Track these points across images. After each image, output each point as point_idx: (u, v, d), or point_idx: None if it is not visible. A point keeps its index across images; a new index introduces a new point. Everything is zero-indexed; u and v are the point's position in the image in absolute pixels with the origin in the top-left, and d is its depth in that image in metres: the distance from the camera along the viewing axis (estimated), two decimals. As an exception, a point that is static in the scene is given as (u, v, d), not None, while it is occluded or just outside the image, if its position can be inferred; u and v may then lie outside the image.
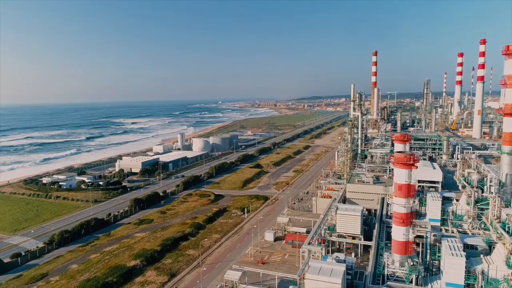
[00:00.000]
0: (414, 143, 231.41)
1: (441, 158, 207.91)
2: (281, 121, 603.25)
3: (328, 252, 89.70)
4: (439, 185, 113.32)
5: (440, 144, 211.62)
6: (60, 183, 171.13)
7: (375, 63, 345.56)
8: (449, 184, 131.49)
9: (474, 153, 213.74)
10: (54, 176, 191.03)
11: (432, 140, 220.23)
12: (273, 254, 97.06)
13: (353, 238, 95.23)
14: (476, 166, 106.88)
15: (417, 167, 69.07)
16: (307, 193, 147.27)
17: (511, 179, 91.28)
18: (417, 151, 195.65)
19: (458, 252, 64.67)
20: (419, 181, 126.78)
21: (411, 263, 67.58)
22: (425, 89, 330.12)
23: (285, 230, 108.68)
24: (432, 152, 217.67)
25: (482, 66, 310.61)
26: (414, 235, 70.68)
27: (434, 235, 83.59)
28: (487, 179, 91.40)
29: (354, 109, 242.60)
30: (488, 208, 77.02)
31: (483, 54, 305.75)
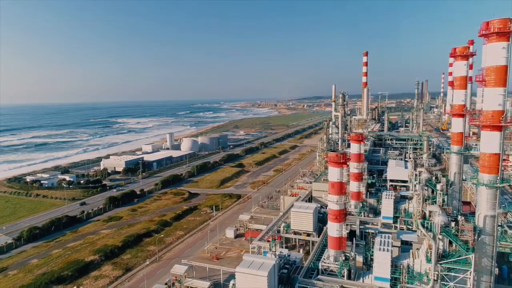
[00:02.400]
0: (396, 143, 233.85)
1: (422, 157, 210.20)
2: (277, 121, 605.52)
3: (284, 248, 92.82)
4: (410, 184, 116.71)
5: (421, 144, 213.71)
6: (42, 182, 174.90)
7: (366, 64, 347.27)
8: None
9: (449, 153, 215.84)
10: (38, 174, 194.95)
11: (413, 140, 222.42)
12: (230, 250, 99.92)
13: (308, 235, 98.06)
14: (428, 166, 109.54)
15: (348, 165, 71.78)
16: (279, 191, 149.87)
17: (459, 178, 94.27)
18: (393, 151, 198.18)
19: (385, 247, 67.37)
20: (391, 181, 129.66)
21: (343, 258, 70.28)
22: (417, 90, 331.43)
23: (246, 227, 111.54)
24: (413, 152, 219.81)
25: (471, 67, 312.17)
26: (347, 231, 73.51)
27: (372, 232, 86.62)
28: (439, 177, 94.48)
29: (335, 109, 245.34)
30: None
31: (471, 54, 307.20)
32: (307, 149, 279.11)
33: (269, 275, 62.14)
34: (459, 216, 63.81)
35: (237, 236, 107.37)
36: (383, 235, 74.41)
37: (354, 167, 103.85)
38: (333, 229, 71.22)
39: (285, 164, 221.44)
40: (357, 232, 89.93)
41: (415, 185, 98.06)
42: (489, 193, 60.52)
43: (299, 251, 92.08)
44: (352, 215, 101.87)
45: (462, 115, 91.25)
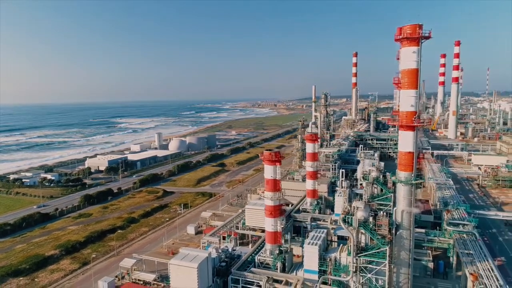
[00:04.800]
0: (377, 143, 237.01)
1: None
2: (271, 121, 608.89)
3: (238, 244, 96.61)
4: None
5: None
6: (23, 180, 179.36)
7: (355, 64, 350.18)
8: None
9: (431, 152, 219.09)
10: (22, 173, 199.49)
11: (393, 140, 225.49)
12: (188, 246, 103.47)
13: (263, 231, 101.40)
14: (378, 164, 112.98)
15: (281, 163, 75.27)
16: (248, 190, 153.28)
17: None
18: (369, 151, 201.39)
19: (314, 241, 70.94)
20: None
21: (277, 252, 73.82)
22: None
23: (208, 224, 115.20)
24: (393, 152, 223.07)
25: (457, 67, 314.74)
26: (282, 226, 76.97)
27: (311, 226, 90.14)
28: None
29: (315, 109, 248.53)
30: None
31: (457, 55, 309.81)
32: (292, 149, 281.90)
33: (199, 267, 65.65)
34: (380, 212, 67.35)
35: (197, 232, 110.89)
36: (318, 230, 78.03)
37: (309, 165, 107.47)
38: (269, 224, 74.79)
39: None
40: (309, 228, 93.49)
41: (361, 184, 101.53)
42: (405, 190, 63.84)
43: (252, 247, 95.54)
44: (307, 212, 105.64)
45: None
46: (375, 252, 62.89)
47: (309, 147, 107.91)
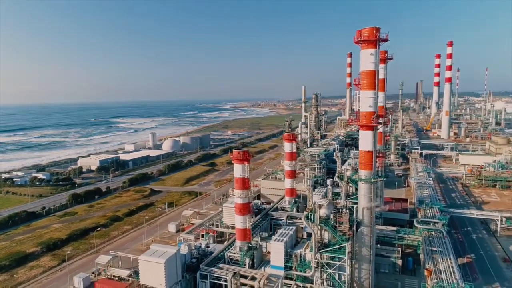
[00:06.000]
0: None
1: (390, 157, 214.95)
2: (268, 121, 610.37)
3: (216, 242, 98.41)
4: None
5: (390, 144, 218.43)
6: (14, 179, 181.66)
7: (350, 65, 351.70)
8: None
9: (420, 152, 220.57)
10: (13, 172, 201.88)
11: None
12: (167, 244, 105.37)
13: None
14: (355, 164, 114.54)
15: (249, 162, 77.15)
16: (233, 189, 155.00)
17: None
18: (355, 150, 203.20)
19: (281, 238, 72.92)
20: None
21: (246, 248, 75.72)
22: (401, 91, 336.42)
23: (189, 222, 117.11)
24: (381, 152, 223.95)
25: (449, 67, 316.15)
26: (251, 223, 78.87)
27: (280, 225, 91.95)
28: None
29: (305, 110, 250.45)
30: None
31: (450, 56, 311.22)
32: (281, 149, 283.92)
33: (167, 262, 67.46)
34: (344, 210, 69.09)
35: (178, 230, 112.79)
36: (287, 227, 79.99)
37: (287, 165, 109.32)
38: (238, 221, 76.69)
39: (257, 163, 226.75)
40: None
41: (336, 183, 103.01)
42: (365, 188, 65.66)
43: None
44: (285, 210, 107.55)
45: (382, 116, 66.89)
46: (336, 248, 64.83)
47: (287, 147, 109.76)
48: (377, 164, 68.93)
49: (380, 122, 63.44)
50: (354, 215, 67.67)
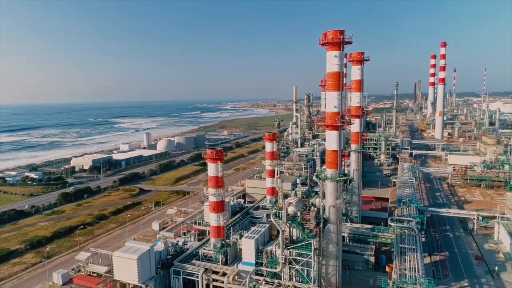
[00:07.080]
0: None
1: (380, 157, 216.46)
2: (266, 121, 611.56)
3: (198, 239, 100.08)
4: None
5: (380, 144, 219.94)
6: (6, 178, 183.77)
7: (345, 66, 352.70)
8: (370, 181, 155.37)
9: (410, 152, 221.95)
10: (6, 172, 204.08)
11: (373, 140, 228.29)
12: (149, 241, 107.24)
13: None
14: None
15: (222, 161, 78.90)
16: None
17: (358, 174, 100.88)
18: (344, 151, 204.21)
19: (252, 235, 74.63)
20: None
21: (219, 245, 77.49)
22: (396, 91, 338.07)
23: (172, 221, 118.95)
24: (373, 152, 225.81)
25: (443, 68, 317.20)
26: (225, 221, 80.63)
27: (254, 223, 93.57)
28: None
29: (296, 110, 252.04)
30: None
31: (443, 56, 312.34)
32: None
33: (139, 258, 69.20)
34: (312, 207, 70.80)
35: (162, 228, 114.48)
36: (260, 225, 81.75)
37: (268, 164, 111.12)
38: (212, 219, 78.50)
39: (249, 163, 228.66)
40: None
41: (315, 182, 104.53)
42: (331, 186, 67.40)
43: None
44: (266, 209, 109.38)
45: (358, 116, 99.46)
46: (303, 245, 66.50)
47: (268, 146, 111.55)
48: (342, 164, 70.64)
49: (344, 123, 65.09)
50: (321, 213, 69.27)
